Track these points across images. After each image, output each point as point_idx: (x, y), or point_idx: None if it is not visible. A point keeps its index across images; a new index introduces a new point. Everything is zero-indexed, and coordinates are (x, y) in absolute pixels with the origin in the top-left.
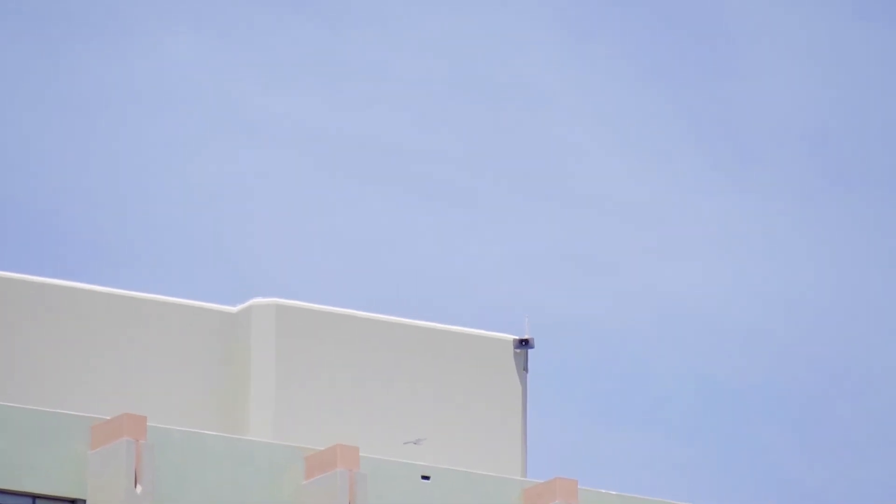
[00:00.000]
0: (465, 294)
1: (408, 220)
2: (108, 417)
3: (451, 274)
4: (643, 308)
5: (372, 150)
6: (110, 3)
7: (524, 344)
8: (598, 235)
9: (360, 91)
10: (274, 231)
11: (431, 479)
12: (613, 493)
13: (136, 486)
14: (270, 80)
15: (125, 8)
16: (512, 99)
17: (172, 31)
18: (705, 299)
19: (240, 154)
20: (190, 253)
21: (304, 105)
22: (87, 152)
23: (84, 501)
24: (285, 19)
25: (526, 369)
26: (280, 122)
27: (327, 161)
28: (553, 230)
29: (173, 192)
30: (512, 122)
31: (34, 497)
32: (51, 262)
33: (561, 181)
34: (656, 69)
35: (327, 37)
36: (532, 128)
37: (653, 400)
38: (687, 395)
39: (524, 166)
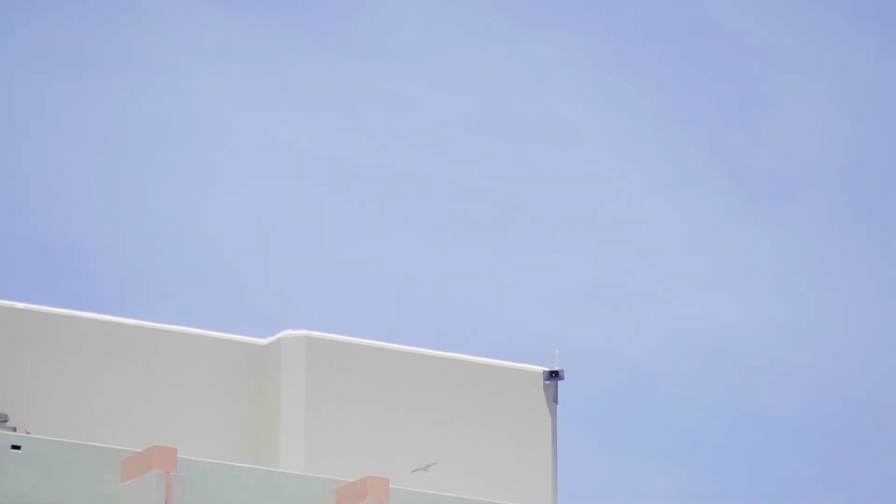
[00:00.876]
0: (494, 326)
1: (437, 253)
2: (139, 450)
3: (480, 306)
4: (674, 342)
5: (401, 184)
6: (136, 39)
7: (554, 375)
8: (629, 270)
9: (388, 124)
10: (303, 263)
11: None
12: None
13: None
14: (298, 113)
15: (150, 44)
16: (541, 133)
17: (199, 66)
18: (737, 333)
19: (270, 186)
20: (219, 286)
21: (332, 138)
22: (116, 187)
23: None
24: (312, 52)
25: (556, 401)
26: (309, 154)
27: (356, 194)
28: (583, 264)
29: (202, 225)
30: (541, 157)
31: None
32: (82, 295)
33: (591, 215)
34: (686, 104)
35: (354, 69)
36: (561, 162)
37: (683, 434)
38: (718, 429)
39: (553, 200)
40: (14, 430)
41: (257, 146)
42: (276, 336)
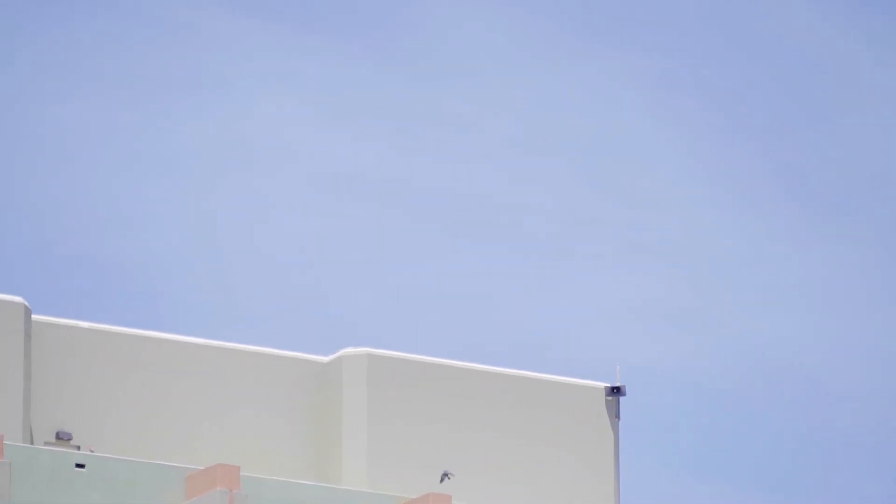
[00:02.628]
0: (556, 343)
1: (498, 272)
2: (202, 468)
3: (542, 324)
4: (737, 359)
5: (461, 203)
6: (199, 62)
7: (616, 391)
8: (692, 287)
9: (448, 144)
10: (365, 282)
11: None
12: None
13: None
14: (358, 133)
15: (213, 66)
16: (602, 152)
17: (261, 88)
18: (801, 351)
19: (331, 206)
20: (281, 304)
21: (392, 158)
22: (180, 208)
23: None
24: (373, 74)
25: (618, 416)
26: (369, 175)
27: (417, 213)
28: (645, 282)
29: (265, 246)
30: (602, 175)
31: None
32: (145, 315)
33: (653, 233)
34: (748, 120)
35: (416, 90)
36: (622, 180)
37: (747, 451)
38: (781, 447)
39: (615, 218)
40: (78, 448)
41: (319, 167)
42: (338, 354)
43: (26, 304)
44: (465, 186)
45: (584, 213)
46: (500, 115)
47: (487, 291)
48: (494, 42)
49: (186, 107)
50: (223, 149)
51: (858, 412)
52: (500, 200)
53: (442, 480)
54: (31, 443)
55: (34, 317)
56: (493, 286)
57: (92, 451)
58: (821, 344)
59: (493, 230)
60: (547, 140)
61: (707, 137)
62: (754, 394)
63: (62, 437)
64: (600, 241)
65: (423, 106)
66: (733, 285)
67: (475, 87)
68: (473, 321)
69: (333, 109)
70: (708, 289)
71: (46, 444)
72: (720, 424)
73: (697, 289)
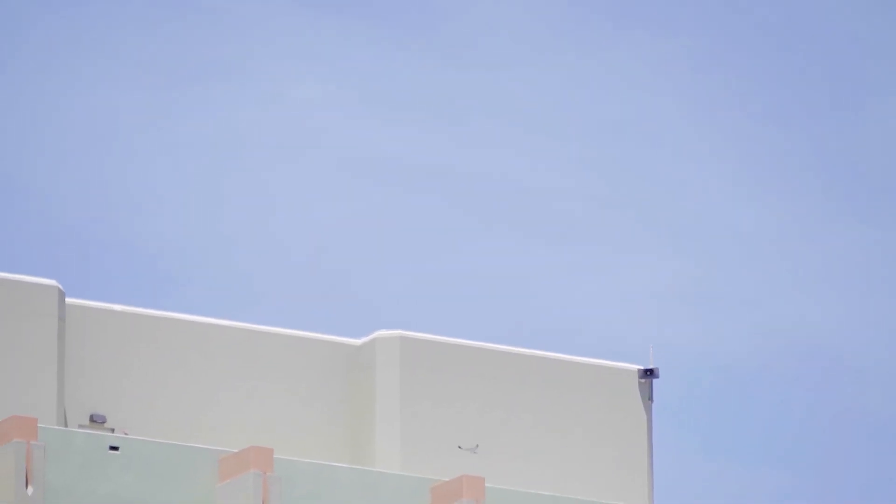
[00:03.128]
0: (588, 325)
1: (530, 254)
2: (236, 450)
3: (575, 305)
4: (769, 341)
5: (492, 186)
6: (232, 46)
7: (649, 374)
8: (724, 269)
9: (481, 129)
10: (397, 264)
11: None
12: None
13: None
14: (396, 119)
15: (246, 50)
16: (634, 134)
17: (295, 72)
18: (833, 332)
19: (364, 191)
20: (314, 286)
21: (425, 143)
22: (214, 191)
23: None
24: (407, 57)
25: (651, 399)
26: (402, 160)
27: (449, 197)
28: (677, 263)
29: (298, 229)
30: (634, 158)
31: None
32: (179, 297)
33: (684, 215)
34: (779, 102)
35: (452, 75)
36: (654, 163)
37: (780, 433)
38: (814, 429)
39: (647, 201)
40: (112, 431)
41: (350, 152)
42: (371, 336)
43: (60, 287)
44: (495, 171)
45: (613, 197)
46: (530, 100)
47: (519, 275)
48: (524, 26)
49: (216, 91)
50: (253, 133)
51: (887, 393)
52: (529, 185)
53: (469, 449)
54: (65, 425)
55: (68, 300)
56: (525, 269)
57: (126, 434)
58: (849, 324)
59: (523, 214)
60: (576, 123)
61: (739, 120)
62: (784, 375)
63: (96, 420)
64: (632, 224)
65: (454, 90)
66: (762, 267)
67: (505, 72)
68: (506, 304)
69: (364, 94)
70: (737, 270)
71: (80, 426)
72: (751, 406)
73: (727, 270)
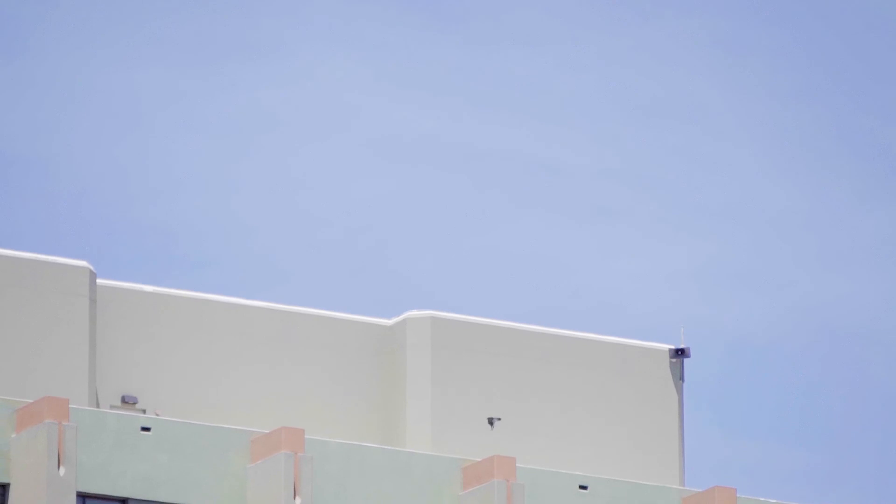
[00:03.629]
0: (620, 306)
1: (563, 234)
2: (267, 431)
3: (606, 287)
4: (802, 321)
5: (525, 166)
6: (263, 26)
7: (680, 353)
8: (756, 249)
9: (515, 108)
10: (429, 245)
11: (589, 488)
12: (773, 501)
13: (295, 499)
14: (426, 99)
15: (277, 30)
16: (667, 114)
17: (327, 54)
18: (864, 312)
19: (396, 170)
20: (346, 267)
21: (458, 123)
22: (244, 172)
23: None
24: (438, 37)
25: (682, 378)
26: (435, 139)
27: (481, 177)
28: (709, 244)
29: (330, 209)
30: (667, 138)
31: None
32: (210, 279)
33: (716, 195)
34: (811, 80)
35: (481, 55)
36: (687, 143)
37: (812, 413)
38: (845, 406)
39: (679, 180)
40: (144, 412)
41: (382, 130)
42: (402, 317)
43: (91, 268)
44: (528, 151)
45: (647, 176)
46: (564, 79)
47: (551, 254)
48: (554, 7)
49: (247, 71)
50: (283, 113)
51: None
52: (565, 163)
53: (491, 422)
54: (97, 406)
55: (99, 281)
56: (556, 249)
57: (157, 415)
58: (884, 304)
59: (557, 192)
60: (610, 103)
61: (769, 98)
62: (819, 355)
63: (127, 401)
64: (664, 204)
65: (486, 69)
66: (796, 246)
67: (538, 51)
68: (537, 284)
69: (396, 73)
70: (771, 250)
71: (112, 407)
72: (783, 385)
73: (760, 250)
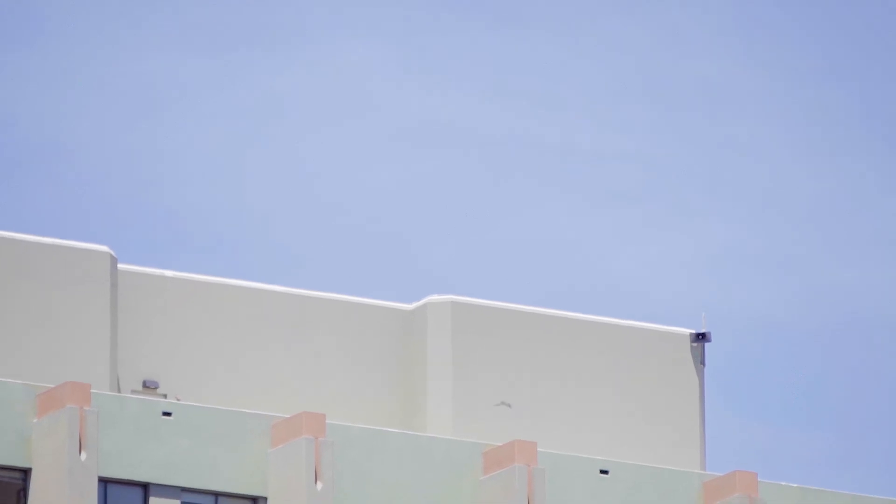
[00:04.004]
0: (641, 291)
1: (583, 219)
2: (288, 416)
3: (627, 271)
4: (824, 306)
5: (546, 151)
6: (284, 12)
7: (701, 338)
8: (778, 233)
9: (533, 93)
10: (449, 230)
11: (610, 473)
12: (794, 485)
13: (316, 483)
14: (446, 83)
15: (298, 15)
16: (686, 97)
17: (350, 38)
18: (884, 297)
19: (415, 155)
20: (365, 254)
21: (478, 107)
22: (265, 158)
23: (265, 499)
24: (457, 25)
25: (703, 363)
26: (453, 125)
27: (501, 162)
28: (730, 228)
29: (347, 195)
30: (690, 121)
31: (216, 495)
32: (231, 264)
33: (737, 179)
34: (840, 62)
35: (500, 40)
36: (710, 126)
37: (833, 398)
38: (867, 395)
39: (699, 165)
40: (165, 397)
41: (404, 116)
42: (422, 301)
43: (112, 253)
44: (550, 134)
45: (669, 160)
46: (587, 63)
47: (572, 238)
48: None
49: (269, 56)
50: (307, 98)
51: None
52: (584, 148)
53: (503, 404)
54: (118, 391)
55: (120, 266)
56: (577, 233)
57: (179, 400)
58: None
59: (577, 177)
60: (634, 88)
61: (797, 81)
62: (840, 340)
63: (149, 386)
64: (687, 188)
65: (508, 54)
66: (818, 230)
67: (561, 35)
68: (558, 268)
69: (414, 59)
70: (795, 234)
71: (133, 392)
72: (803, 370)
73: (783, 234)
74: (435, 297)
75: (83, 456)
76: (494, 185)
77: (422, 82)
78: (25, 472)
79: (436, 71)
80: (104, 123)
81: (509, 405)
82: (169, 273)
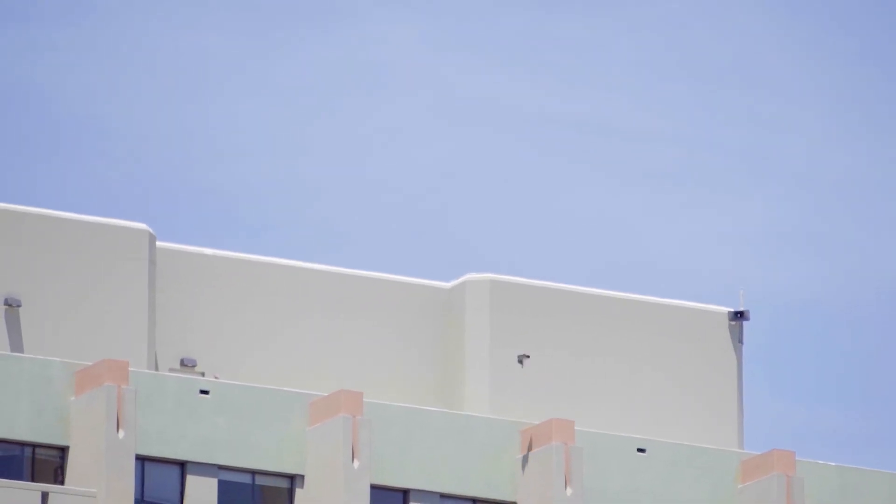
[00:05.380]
0: (679, 269)
1: (623, 198)
2: (326, 394)
3: (665, 249)
4: (864, 285)
5: (587, 129)
6: None
7: (739, 316)
8: (818, 212)
9: (573, 72)
10: (488, 208)
11: (647, 451)
12: (832, 464)
13: (353, 461)
14: (485, 62)
15: None
16: (725, 77)
17: (389, 17)
18: None
19: (455, 135)
20: (404, 230)
21: (517, 87)
22: (303, 136)
23: (302, 478)
24: (503, 4)
25: (741, 341)
26: (495, 103)
27: (542, 140)
28: (769, 207)
29: (391, 173)
30: (729, 101)
31: (254, 473)
32: (270, 242)
33: (776, 157)
34: (877, 42)
35: (539, 19)
36: (750, 105)
37: (871, 378)
38: None
39: (738, 144)
40: (202, 375)
41: (447, 94)
42: (461, 279)
43: (151, 231)
44: (591, 113)
45: (708, 139)
46: (627, 43)
47: (612, 217)
48: None
49: (315, 34)
50: (351, 76)
51: None
52: (625, 127)
53: (521, 361)
54: (156, 370)
55: (159, 244)
56: (616, 211)
57: (216, 378)
58: None
59: (617, 156)
60: (673, 66)
61: (834, 61)
62: (880, 318)
63: (187, 364)
64: (726, 167)
65: (551, 34)
66: (859, 210)
67: (602, 14)
68: (597, 247)
69: (459, 37)
70: (833, 213)
71: (171, 370)
72: (843, 349)
73: (823, 213)
74: (473, 276)
75: (121, 434)
76: (536, 163)
77: (467, 61)
78: (63, 450)
79: (481, 50)
80: (149, 100)
81: (528, 356)
82: (207, 251)
